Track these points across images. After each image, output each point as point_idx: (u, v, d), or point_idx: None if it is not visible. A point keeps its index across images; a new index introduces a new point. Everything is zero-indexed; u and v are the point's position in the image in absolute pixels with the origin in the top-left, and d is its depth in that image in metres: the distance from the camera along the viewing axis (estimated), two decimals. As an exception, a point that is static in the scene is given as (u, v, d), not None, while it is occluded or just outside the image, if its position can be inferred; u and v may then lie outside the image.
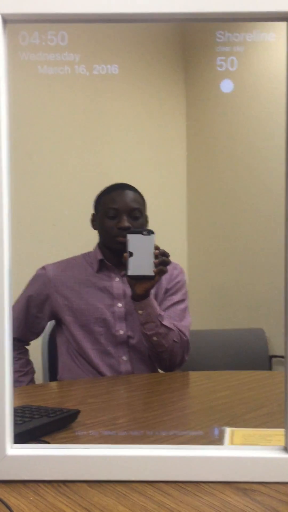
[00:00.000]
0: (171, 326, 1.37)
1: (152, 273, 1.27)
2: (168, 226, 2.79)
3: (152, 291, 1.39)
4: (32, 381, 1.50)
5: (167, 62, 2.88)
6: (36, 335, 1.56)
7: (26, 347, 1.55)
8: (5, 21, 0.65)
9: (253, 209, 2.55)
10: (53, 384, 1.45)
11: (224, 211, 2.68)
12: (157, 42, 2.84)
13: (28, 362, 1.53)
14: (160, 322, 1.34)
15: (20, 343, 1.53)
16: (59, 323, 1.49)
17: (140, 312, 1.33)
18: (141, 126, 2.75)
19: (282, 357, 2.36)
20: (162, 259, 1.28)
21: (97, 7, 0.65)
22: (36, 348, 1.63)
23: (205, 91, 2.83)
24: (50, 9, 0.65)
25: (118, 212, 1.40)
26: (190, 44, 2.92)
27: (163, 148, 2.86)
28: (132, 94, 2.71)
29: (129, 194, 1.43)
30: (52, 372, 1.63)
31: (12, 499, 0.61)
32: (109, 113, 2.61)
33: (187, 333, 1.42)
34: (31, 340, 1.57)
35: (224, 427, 0.85)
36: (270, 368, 2.33)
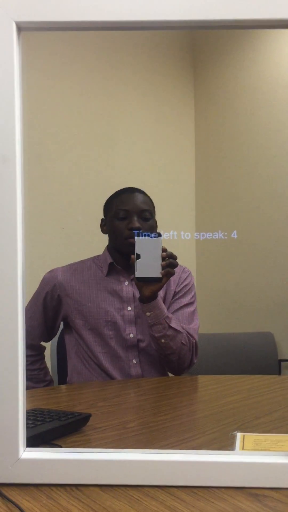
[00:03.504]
0: (179, 328, 1.37)
1: (160, 275, 1.27)
2: (177, 230, 2.79)
3: (161, 294, 1.39)
4: None
5: (177, 67, 2.89)
6: (54, 336, 1.58)
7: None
8: (19, 29, 0.65)
9: (262, 212, 2.54)
10: (63, 387, 1.46)
11: (233, 214, 2.67)
12: (166, 47, 2.85)
13: (48, 371, 1.55)
14: (168, 324, 1.34)
15: (42, 349, 1.55)
16: (69, 326, 1.50)
17: (148, 314, 1.34)
18: (151, 131, 2.75)
19: (291, 361, 2.36)
20: (169, 261, 1.28)
21: (109, 15, 0.65)
22: (46, 351, 1.64)
23: (214, 96, 2.84)
24: (63, 17, 0.65)
25: (128, 213, 1.41)
26: (200, 49, 2.93)
27: (173, 152, 2.86)
28: (142, 99, 2.72)
29: (139, 196, 1.44)
30: (61, 374, 1.64)
31: (25, 502, 0.61)
32: (120, 118, 2.62)
33: (195, 336, 1.42)
34: (49, 341, 1.58)
35: (235, 432, 0.85)
36: (279, 372, 2.32)
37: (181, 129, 2.91)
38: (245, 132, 2.65)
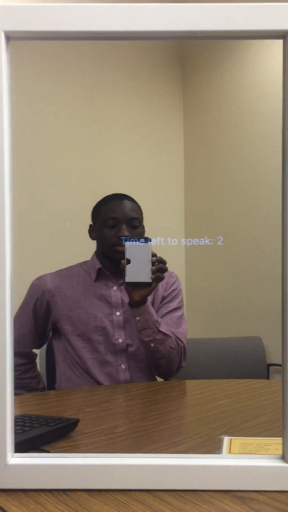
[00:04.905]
0: (168, 332, 1.38)
1: (149, 280, 1.28)
2: (166, 235, 2.81)
3: (149, 299, 1.40)
4: None
5: (165, 75, 2.92)
6: (44, 342, 1.57)
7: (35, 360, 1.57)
8: (8, 38, 0.66)
9: (250, 218, 2.56)
10: (52, 393, 1.45)
11: (221, 220, 2.69)
12: (155, 52, 2.87)
13: (40, 379, 1.54)
14: (157, 328, 1.35)
15: (33, 357, 1.55)
16: (57, 332, 1.50)
17: (137, 318, 1.34)
18: (140, 138, 2.77)
19: (279, 365, 2.37)
20: (159, 266, 1.29)
21: (98, 25, 0.66)
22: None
23: (202, 103, 2.86)
24: (52, 27, 0.66)
25: (117, 221, 1.42)
26: (188, 57, 2.96)
27: (161, 157, 2.88)
28: (132, 106, 2.74)
29: (127, 203, 1.45)
30: (50, 380, 1.63)
31: (13, 508, 0.61)
32: (109, 125, 2.63)
33: (183, 340, 1.44)
34: (39, 348, 1.58)
35: (222, 436, 0.85)
36: (267, 376, 2.33)
37: (170, 136, 2.93)
38: (233, 140, 2.67)
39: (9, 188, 0.66)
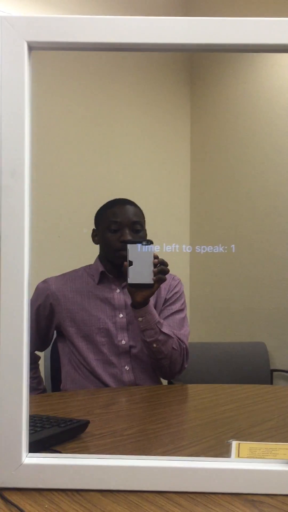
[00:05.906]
0: (170, 333, 1.40)
1: (151, 281, 1.30)
2: (171, 240, 2.82)
3: (152, 301, 1.42)
4: None
5: (174, 85, 2.95)
6: (48, 345, 1.59)
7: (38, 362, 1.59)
8: (30, 48, 0.68)
9: (256, 224, 2.58)
10: (58, 394, 1.47)
11: (227, 225, 2.71)
12: (164, 62, 2.90)
13: (41, 380, 1.56)
14: (159, 329, 1.37)
15: (35, 359, 1.56)
16: (62, 334, 1.52)
17: (140, 319, 1.36)
18: (147, 143, 2.80)
19: (283, 371, 2.38)
20: (160, 268, 1.31)
21: (115, 37, 0.68)
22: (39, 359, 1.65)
23: (210, 108, 2.88)
24: (71, 38, 0.68)
25: (120, 225, 1.44)
26: (197, 64, 2.98)
27: (168, 164, 2.91)
28: (141, 115, 2.78)
29: (130, 208, 1.47)
30: (54, 382, 1.65)
31: (28, 506, 0.63)
32: (116, 131, 2.66)
33: (186, 341, 1.45)
34: (43, 351, 1.60)
35: (230, 440, 0.87)
36: (271, 382, 2.34)
37: (178, 141, 2.96)
38: (242, 147, 2.69)
39: (29, 195, 0.68)
